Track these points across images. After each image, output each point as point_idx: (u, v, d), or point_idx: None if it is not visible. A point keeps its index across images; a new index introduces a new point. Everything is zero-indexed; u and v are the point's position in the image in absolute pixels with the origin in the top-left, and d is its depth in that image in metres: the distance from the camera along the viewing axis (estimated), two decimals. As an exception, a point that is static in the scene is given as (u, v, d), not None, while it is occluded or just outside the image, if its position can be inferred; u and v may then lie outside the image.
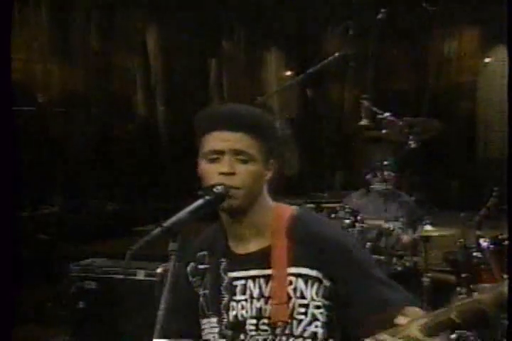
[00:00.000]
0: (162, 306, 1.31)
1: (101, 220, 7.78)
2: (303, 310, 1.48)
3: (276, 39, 10.34)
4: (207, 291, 1.59)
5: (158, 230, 1.34)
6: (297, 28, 10.03)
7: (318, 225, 1.55)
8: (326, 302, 1.48)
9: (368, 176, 4.10)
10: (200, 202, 1.43)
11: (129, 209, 8.37)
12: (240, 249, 1.58)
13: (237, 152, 1.49)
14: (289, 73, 10.73)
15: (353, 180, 6.85)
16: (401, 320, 1.20)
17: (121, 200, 8.56)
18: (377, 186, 3.88)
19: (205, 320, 1.59)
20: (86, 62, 8.78)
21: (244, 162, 1.49)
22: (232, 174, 1.48)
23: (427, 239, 3.66)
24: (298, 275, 1.49)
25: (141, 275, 3.76)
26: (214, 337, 1.56)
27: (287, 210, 1.59)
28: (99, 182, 8.57)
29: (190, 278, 1.64)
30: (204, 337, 1.59)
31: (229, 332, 1.54)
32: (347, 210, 3.75)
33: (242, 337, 1.53)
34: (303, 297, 1.48)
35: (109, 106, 8.96)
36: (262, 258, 1.53)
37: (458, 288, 3.51)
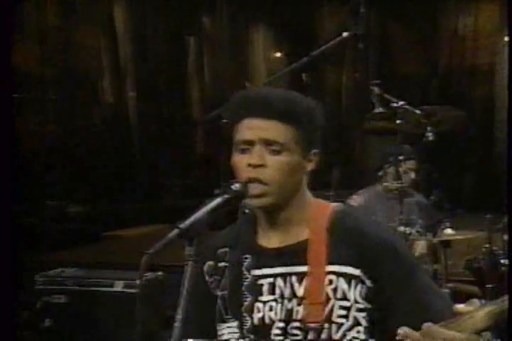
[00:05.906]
0: (179, 317, 1.35)
1: (62, 224, 7.75)
2: (344, 312, 1.52)
3: (265, 15, 10.37)
4: (226, 292, 1.64)
5: (174, 232, 1.39)
6: (288, 3, 10.05)
7: (363, 222, 1.61)
8: (368, 305, 1.53)
9: (380, 173, 4.15)
10: (218, 200, 1.48)
11: (95, 212, 8.37)
12: (271, 243, 1.62)
13: (268, 142, 1.54)
14: (278, 55, 10.79)
15: (360, 177, 6.92)
16: (464, 308, 1.26)
17: (85, 201, 8.53)
18: (390, 184, 3.92)
19: (223, 325, 1.63)
20: (42, 40, 8.71)
21: (277, 153, 1.54)
22: (262, 166, 1.54)
23: (447, 244, 3.72)
24: (339, 274, 1.53)
25: (119, 287, 3.77)
26: None
27: (328, 206, 1.65)
28: (58, 181, 8.53)
29: (207, 278, 1.68)
30: None
31: (251, 337, 1.58)
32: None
33: None
34: (344, 298, 1.53)
35: (71, 92, 8.90)
36: (296, 253, 1.57)
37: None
